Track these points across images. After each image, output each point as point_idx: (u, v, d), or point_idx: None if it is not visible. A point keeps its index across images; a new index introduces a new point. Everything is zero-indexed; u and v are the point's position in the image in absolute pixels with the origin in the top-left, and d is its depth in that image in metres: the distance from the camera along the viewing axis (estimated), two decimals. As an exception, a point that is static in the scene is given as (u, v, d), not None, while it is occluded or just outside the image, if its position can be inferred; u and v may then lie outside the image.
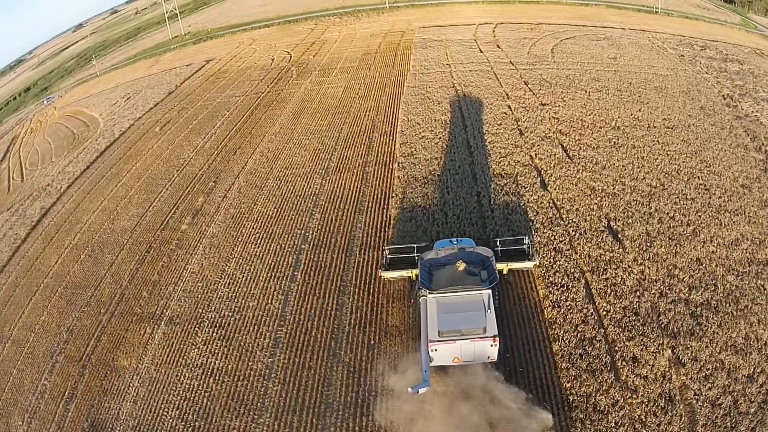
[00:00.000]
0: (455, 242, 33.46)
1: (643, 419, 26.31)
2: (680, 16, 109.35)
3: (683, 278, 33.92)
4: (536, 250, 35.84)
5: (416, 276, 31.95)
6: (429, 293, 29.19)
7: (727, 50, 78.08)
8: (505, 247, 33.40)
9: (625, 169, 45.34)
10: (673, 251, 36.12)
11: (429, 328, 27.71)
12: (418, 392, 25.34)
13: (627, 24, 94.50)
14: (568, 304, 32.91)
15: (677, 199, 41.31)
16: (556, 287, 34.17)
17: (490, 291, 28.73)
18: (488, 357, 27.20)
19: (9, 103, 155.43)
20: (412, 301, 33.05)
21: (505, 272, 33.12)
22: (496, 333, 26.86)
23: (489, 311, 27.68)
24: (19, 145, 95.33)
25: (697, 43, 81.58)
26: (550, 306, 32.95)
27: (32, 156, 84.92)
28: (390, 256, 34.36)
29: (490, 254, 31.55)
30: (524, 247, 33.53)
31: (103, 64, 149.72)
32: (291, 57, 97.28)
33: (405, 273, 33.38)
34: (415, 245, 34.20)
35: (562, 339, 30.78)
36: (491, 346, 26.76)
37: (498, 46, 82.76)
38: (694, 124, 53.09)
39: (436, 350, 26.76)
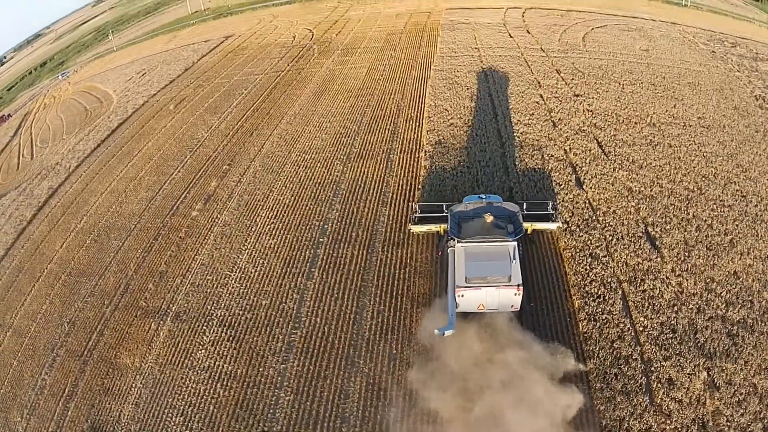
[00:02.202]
0: (484, 197, 34.85)
1: (676, 447, 24.53)
2: (709, 10, 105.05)
3: (720, 293, 31.59)
4: (559, 213, 36.37)
5: (444, 230, 33.22)
6: (457, 242, 30.41)
7: (757, 49, 74.20)
8: (530, 211, 34.00)
9: (662, 170, 42.48)
10: (711, 263, 33.66)
11: (456, 274, 28.98)
12: (444, 334, 26.35)
13: (657, 15, 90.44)
14: (604, 317, 30.62)
15: (714, 206, 38.57)
16: (592, 298, 31.80)
17: (516, 243, 29.94)
18: (512, 306, 28.44)
19: (24, 78, 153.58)
20: (440, 253, 34.09)
21: (529, 232, 33.76)
22: (521, 282, 28.01)
23: (514, 262, 28.84)
24: (32, 121, 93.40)
25: (728, 40, 77.64)
26: (585, 319, 30.63)
27: (44, 133, 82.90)
28: (419, 213, 35.64)
29: (516, 209, 33.05)
30: (549, 210, 34.56)
31: (121, 39, 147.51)
32: (313, 35, 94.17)
33: (433, 227, 34.64)
34: (443, 203, 34.92)
35: (597, 356, 28.62)
36: (515, 294, 27.97)
37: (528, 32, 79.14)
38: (728, 124, 50.01)
39: (462, 296, 28.12)
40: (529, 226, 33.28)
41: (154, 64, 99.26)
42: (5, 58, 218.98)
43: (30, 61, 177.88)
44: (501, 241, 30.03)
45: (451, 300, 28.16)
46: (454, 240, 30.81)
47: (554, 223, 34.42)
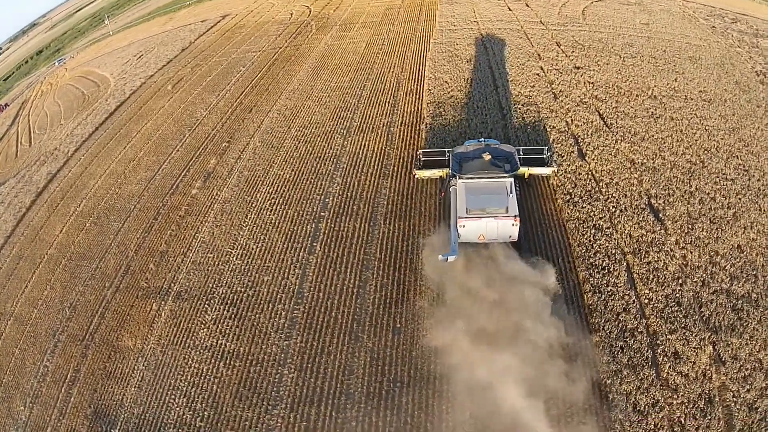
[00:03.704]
0: (482, 140, 37.65)
1: (682, 422, 24.34)
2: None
3: (725, 266, 30.97)
4: (555, 159, 37.85)
5: (447, 175, 35.48)
6: (459, 179, 32.69)
7: (757, 25, 72.44)
8: (527, 156, 36.10)
9: (665, 142, 41.58)
10: (715, 236, 32.99)
11: (458, 207, 31.12)
12: (447, 260, 28.40)
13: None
14: (609, 289, 30.02)
15: (717, 179, 37.73)
16: (596, 270, 31.15)
17: (512, 179, 32.25)
18: (510, 236, 30.45)
19: (21, 67, 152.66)
20: (442, 194, 36.28)
21: (526, 176, 36.23)
22: (517, 213, 30.18)
23: (511, 195, 31.06)
24: (29, 109, 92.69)
25: (728, 15, 75.92)
26: (590, 291, 30.03)
27: (41, 119, 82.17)
28: (423, 158, 37.72)
29: (512, 150, 35.14)
30: (544, 156, 36.41)
31: (117, 24, 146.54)
32: (310, 11, 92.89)
33: (437, 172, 36.85)
34: (446, 149, 37.06)
35: (603, 329, 28.07)
36: (512, 225, 30.02)
37: (527, 5, 77.46)
38: (730, 99, 48.87)
39: (464, 226, 30.11)
40: (525, 170, 35.47)
41: (150, 45, 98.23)
42: (1, 49, 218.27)
43: (26, 51, 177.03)
44: (499, 177, 32.34)
45: (453, 230, 30.26)
46: (455, 178, 32.98)
47: (549, 168, 36.05)
